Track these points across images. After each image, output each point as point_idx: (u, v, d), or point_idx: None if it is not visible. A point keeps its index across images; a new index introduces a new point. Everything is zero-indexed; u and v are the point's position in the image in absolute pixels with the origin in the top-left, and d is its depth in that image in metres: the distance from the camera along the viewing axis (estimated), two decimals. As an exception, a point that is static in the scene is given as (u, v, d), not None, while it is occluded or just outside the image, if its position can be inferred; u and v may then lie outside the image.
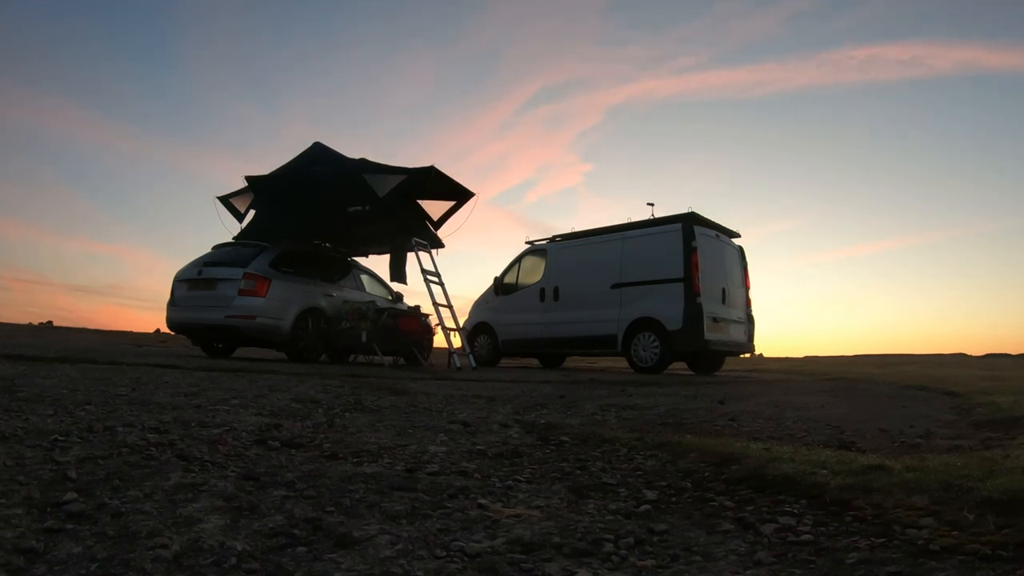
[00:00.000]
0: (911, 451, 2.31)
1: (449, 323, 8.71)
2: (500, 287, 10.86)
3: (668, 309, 8.68)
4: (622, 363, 10.32)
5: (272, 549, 1.08)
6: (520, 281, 10.68)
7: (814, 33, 34.35)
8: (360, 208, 8.37)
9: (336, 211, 8.48)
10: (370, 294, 9.52)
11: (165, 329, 8.80)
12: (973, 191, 40.65)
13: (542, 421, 2.94)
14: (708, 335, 8.59)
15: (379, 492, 1.48)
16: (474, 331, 10.79)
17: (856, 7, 32.82)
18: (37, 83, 32.37)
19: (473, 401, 3.77)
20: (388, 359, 8.56)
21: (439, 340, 9.43)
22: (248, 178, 9.07)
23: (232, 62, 38.53)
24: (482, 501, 1.45)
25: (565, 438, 2.38)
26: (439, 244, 9.26)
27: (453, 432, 2.50)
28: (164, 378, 3.89)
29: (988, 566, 1.04)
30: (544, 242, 10.70)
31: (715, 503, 1.51)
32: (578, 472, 1.84)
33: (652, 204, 11.27)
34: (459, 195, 9.27)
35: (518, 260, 10.86)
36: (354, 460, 1.84)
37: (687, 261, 8.66)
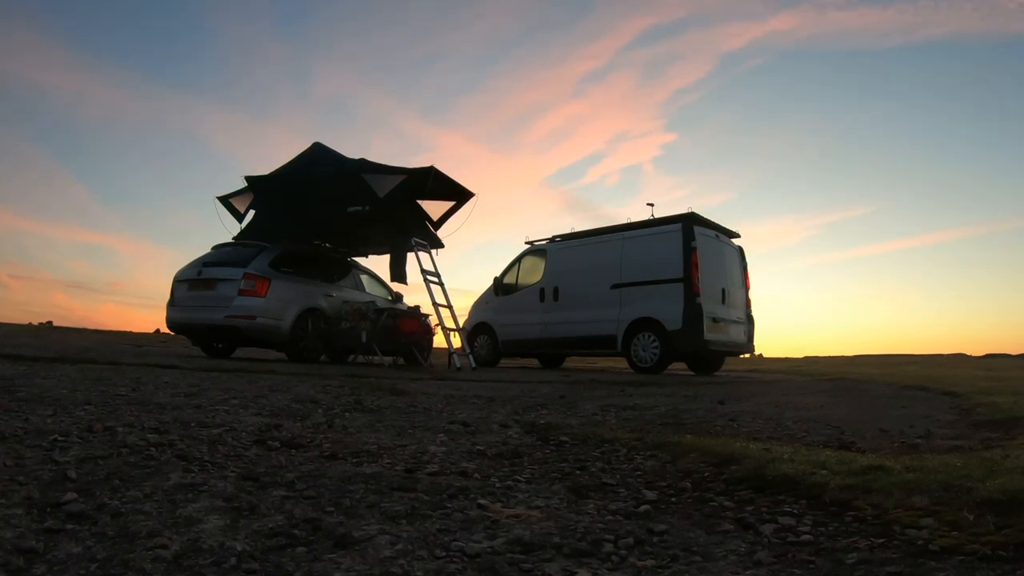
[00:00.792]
0: (911, 451, 2.32)
1: (449, 323, 8.72)
2: (500, 287, 10.86)
3: (668, 309, 8.68)
4: (622, 363, 10.32)
5: (272, 549, 1.08)
6: (520, 281, 10.68)
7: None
8: (360, 208, 8.37)
9: (336, 211, 8.48)
10: (370, 294, 9.51)
11: (165, 329, 8.80)
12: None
13: (542, 421, 2.94)
14: (708, 335, 8.60)
15: (379, 492, 1.48)
16: (474, 331, 10.79)
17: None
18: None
19: (473, 401, 3.77)
20: (388, 359, 8.56)
21: (439, 340, 9.44)
22: (248, 178, 9.06)
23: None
24: (482, 501, 1.45)
25: (565, 438, 2.38)
26: (439, 244, 9.27)
27: (453, 432, 2.50)
28: (164, 378, 3.89)
29: (988, 566, 1.04)
30: (544, 242, 10.71)
31: (715, 503, 1.51)
32: (578, 472, 1.84)
33: (652, 204, 11.30)
34: (459, 195, 9.27)
35: (518, 260, 10.86)
36: (354, 460, 1.83)
37: (687, 261, 8.66)
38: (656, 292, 8.90)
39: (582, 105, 38.22)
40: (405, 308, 9.35)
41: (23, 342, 8.97)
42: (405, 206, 8.76)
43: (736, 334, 9.45)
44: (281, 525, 1.19)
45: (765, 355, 21.78)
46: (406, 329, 8.66)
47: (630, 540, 1.20)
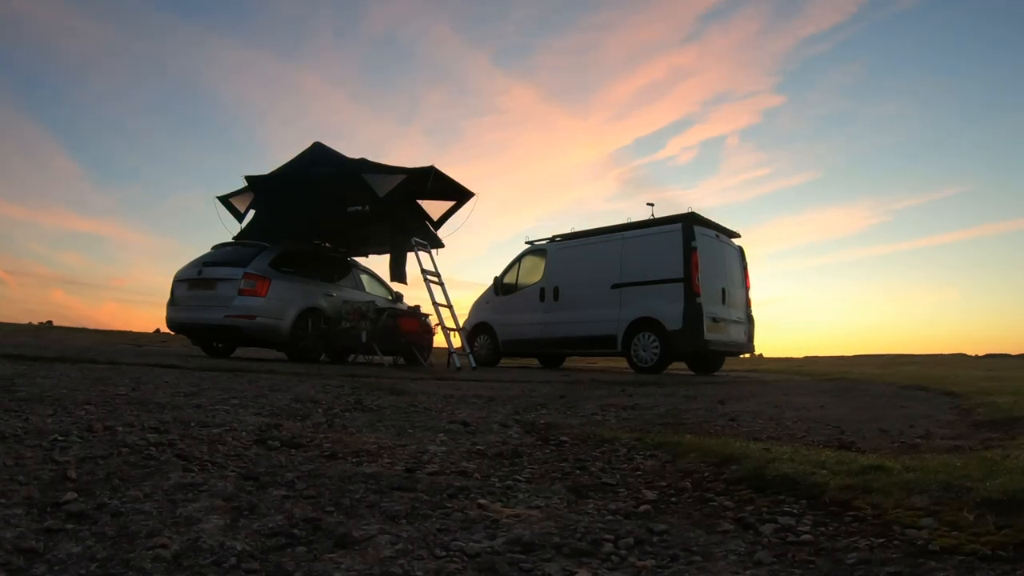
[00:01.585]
0: (911, 451, 2.32)
1: (449, 323, 8.72)
2: (500, 287, 10.86)
3: (668, 309, 8.68)
4: (622, 363, 10.32)
5: (272, 549, 1.08)
6: (520, 281, 10.69)
7: None
8: (360, 208, 8.37)
9: (336, 211, 8.48)
10: (370, 294, 9.52)
11: (165, 329, 8.80)
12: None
13: (542, 421, 2.94)
14: (708, 335, 8.60)
15: (379, 492, 1.48)
16: (474, 331, 10.79)
17: None
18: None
19: (473, 401, 3.77)
20: (388, 359, 8.56)
21: (439, 340, 9.44)
22: (248, 178, 9.07)
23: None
24: (482, 501, 1.45)
25: (565, 438, 2.38)
26: (439, 244, 9.27)
27: (453, 432, 2.50)
28: (164, 378, 3.89)
29: (988, 566, 1.04)
30: (544, 242, 10.71)
31: (715, 503, 1.51)
32: (578, 472, 1.84)
33: (652, 204, 11.30)
34: (459, 195, 9.27)
35: (518, 260, 10.86)
36: (354, 460, 1.84)
37: (687, 261, 8.66)
38: (656, 292, 8.90)
39: (690, 54, 32.22)
40: (405, 308, 9.35)
41: (23, 342, 8.97)
42: (405, 206, 8.76)
43: (736, 334, 9.45)
44: (281, 525, 1.19)
45: (765, 355, 21.79)
46: (406, 329, 8.66)
47: (630, 540, 1.20)
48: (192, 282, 8.06)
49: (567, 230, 10.59)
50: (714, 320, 8.78)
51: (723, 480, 1.69)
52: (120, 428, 1.99)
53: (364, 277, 9.74)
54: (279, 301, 7.84)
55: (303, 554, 1.07)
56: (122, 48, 30.74)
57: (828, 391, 5.94)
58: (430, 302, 8.66)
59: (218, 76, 34.61)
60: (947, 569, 1.03)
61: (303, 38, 35.01)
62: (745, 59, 33.37)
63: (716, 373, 9.93)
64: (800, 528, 1.29)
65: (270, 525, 1.19)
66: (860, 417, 3.57)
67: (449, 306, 8.82)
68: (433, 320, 9.00)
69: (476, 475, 1.74)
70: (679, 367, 10.25)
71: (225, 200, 9.43)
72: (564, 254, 10.22)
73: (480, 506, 1.41)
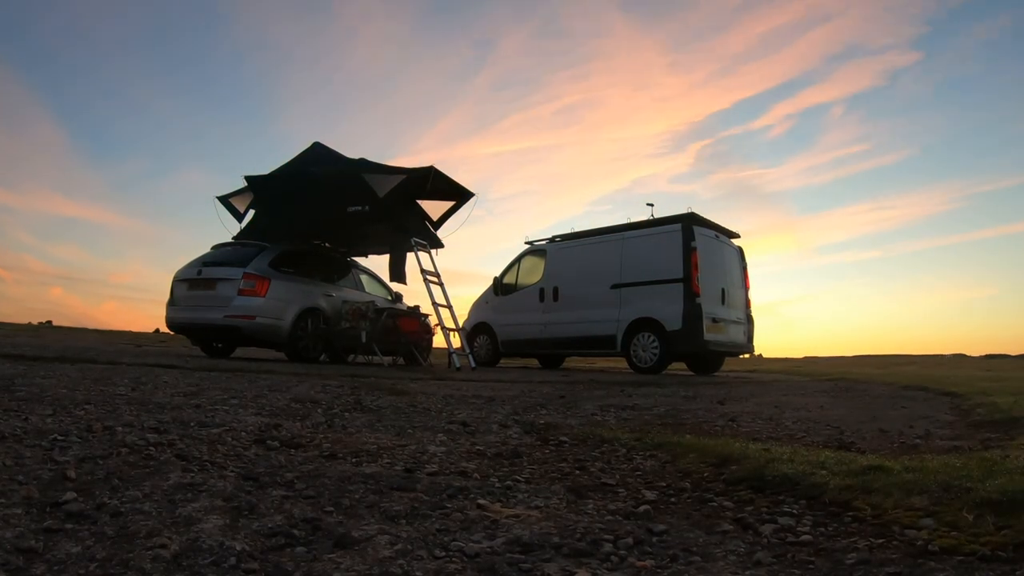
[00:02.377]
0: (910, 452, 2.32)
1: (449, 323, 8.72)
2: (499, 287, 10.87)
3: (667, 309, 8.68)
4: (621, 363, 10.32)
5: (271, 549, 1.08)
6: (519, 281, 10.69)
7: None
8: (360, 208, 8.36)
9: (336, 211, 8.48)
10: (370, 294, 9.51)
11: (165, 329, 8.80)
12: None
13: (541, 421, 2.94)
14: (707, 335, 8.60)
15: (378, 492, 1.48)
16: (473, 331, 10.79)
17: None
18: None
19: (472, 401, 3.77)
20: (387, 359, 8.56)
21: (439, 340, 9.44)
22: (248, 178, 9.06)
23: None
24: (481, 501, 1.45)
25: (564, 438, 2.38)
26: (439, 244, 9.27)
27: (452, 432, 2.50)
28: (163, 378, 3.89)
29: (987, 567, 1.04)
30: (543, 242, 10.71)
31: (714, 503, 1.51)
32: (577, 472, 1.84)
33: (652, 204, 11.30)
34: (459, 195, 9.27)
35: (517, 260, 10.86)
36: (353, 460, 1.83)
37: (687, 261, 8.66)
38: (656, 292, 8.90)
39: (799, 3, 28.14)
40: (405, 308, 9.35)
41: (23, 342, 8.97)
42: (405, 206, 8.76)
43: (736, 334, 9.45)
44: (280, 525, 1.19)
45: (765, 355, 21.80)
46: (406, 329, 8.66)
47: (629, 540, 1.20)
48: (192, 282, 8.06)
49: (567, 230, 10.62)
50: (714, 320, 8.78)
51: (722, 480, 1.69)
52: (120, 428, 1.98)
53: (364, 277, 9.74)
54: (279, 301, 7.84)
55: (303, 554, 1.07)
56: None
57: (827, 391, 5.95)
58: (429, 302, 8.67)
59: (237, 13, 30.36)
60: (947, 569, 1.03)
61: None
62: (887, 2, 28.73)
63: (716, 373, 9.93)
64: (800, 528, 1.29)
65: (269, 525, 1.19)
66: (860, 417, 3.58)
67: (449, 306, 8.82)
68: (433, 320, 9.00)
69: (476, 475, 1.74)
70: (679, 367, 10.25)
71: (225, 200, 9.44)
72: (564, 254, 10.22)
73: (480, 506, 1.41)
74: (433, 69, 36.53)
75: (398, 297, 9.81)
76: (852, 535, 1.24)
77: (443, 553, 1.10)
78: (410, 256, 8.82)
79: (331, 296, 8.63)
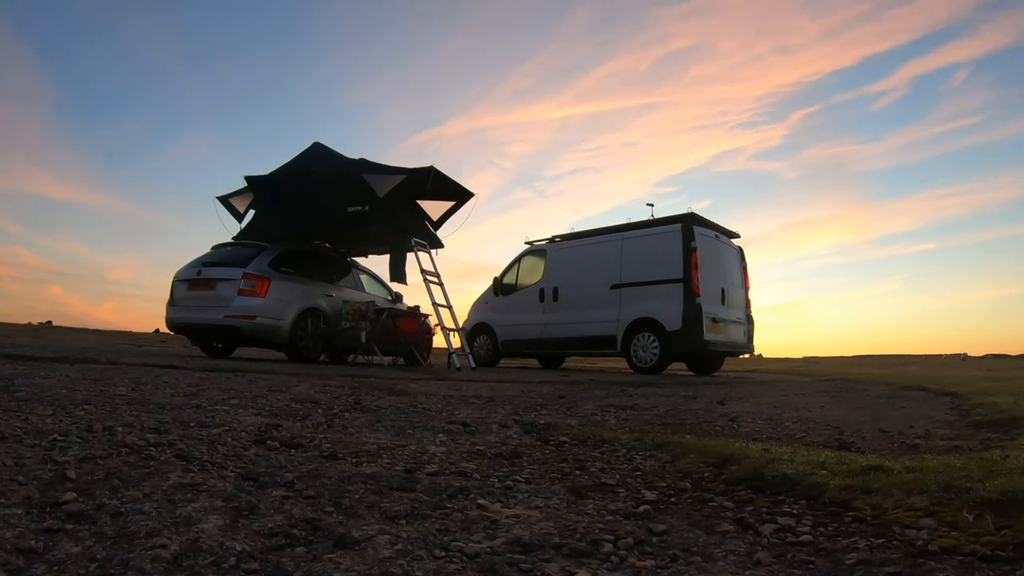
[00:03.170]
0: (910, 452, 2.32)
1: (449, 323, 8.72)
2: (499, 287, 10.87)
3: (667, 310, 8.68)
4: (621, 363, 10.32)
5: (271, 549, 1.08)
6: (519, 281, 10.69)
7: None
8: (360, 208, 8.36)
9: (336, 211, 8.48)
10: (370, 294, 9.51)
11: (165, 329, 8.80)
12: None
13: (541, 421, 2.94)
14: (707, 336, 8.60)
15: (378, 492, 1.48)
16: (473, 331, 10.79)
17: None
18: None
19: (472, 401, 3.77)
20: (387, 359, 8.56)
21: (439, 340, 9.44)
22: (248, 178, 9.07)
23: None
24: (481, 501, 1.45)
25: (564, 438, 2.38)
26: (439, 244, 9.27)
27: (452, 432, 2.50)
28: (163, 378, 3.89)
29: (987, 567, 1.04)
30: (543, 242, 10.72)
31: (714, 503, 1.51)
32: (577, 472, 1.84)
33: (652, 204, 11.31)
34: (459, 195, 9.27)
35: (517, 260, 10.87)
36: (353, 460, 1.83)
37: (686, 261, 8.66)
38: (656, 292, 8.91)
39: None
40: (405, 308, 9.35)
41: (23, 342, 8.96)
42: (405, 206, 8.76)
43: (736, 334, 9.45)
44: (281, 525, 1.19)
45: (765, 355, 21.80)
46: (406, 329, 8.66)
47: (629, 540, 1.20)
48: (192, 282, 8.06)
49: (567, 230, 10.62)
50: (714, 320, 8.78)
51: (723, 480, 1.69)
52: (119, 428, 1.98)
53: (364, 277, 9.74)
54: (279, 301, 7.84)
55: (303, 554, 1.07)
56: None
57: (827, 391, 5.95)
58: (430, 302, 8.67)
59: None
60: (947, 569, 1.03)
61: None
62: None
63: (716, 373, 9.93)
64: (800, 528, 1.29)
65: (269, 525, 1.19)
66: (860, 417, 3.58)
67: (449, 306, 8.83)
68: (433, 320, 9.00)
69: (476, 475, 1.74)
70: (679, 367, 10.25)
71: (225, 200, 9.44)
72: (563, 254, 10.22)
73: (480, 506, 1.41)
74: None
75: (398, 297, 9.81)
76: (852, 535, 1.24)
77: (443, 553, 1.10)
78: (410, 256, 8.82)
79: (331, 296, 8.63)
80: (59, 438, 1.77)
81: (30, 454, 1.59)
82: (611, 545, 1.18)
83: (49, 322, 23.39)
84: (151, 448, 1.75)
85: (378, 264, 14.49)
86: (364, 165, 8.58)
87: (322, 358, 8.59)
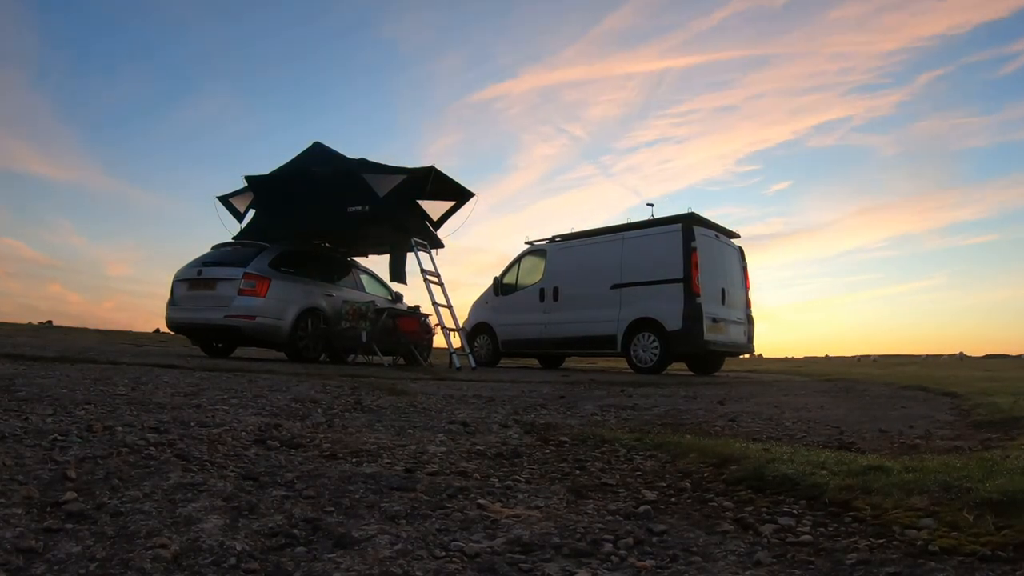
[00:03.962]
0: (910, 452, 2.32)
1: (449, 323, 8.72)
2: (500, 287, 10.87)
3: (668, 310, 8.68)
4: (621, 363, 10.32)
5: (271, 549, 1.08)
6: (520, 281, 10.69)
7: None
8: (360, 208, 8.37)
9: (336, 211, 8.48)
10: (370, 294, 9.52)
11: (165, 329, 8.80)
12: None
13: (541, 421, 2.94)
14: (707, 336, 8.60)
15: (378, 492, 1.48)
16: (474, 331, 10.79)
17: None
18: None
19: (472, 401, 3.77)
20: (387, 359, 8.56)
21: (439, 340, 9.44)
22: (248, 178, 9.07)
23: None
24: (481, 501, 1.45)
25: (564, 438, 2.38)
26: (439, 244, 9.27)
27: (452, 432, 2.50)
28: (163, 378, 3.89)
29: (987, 567, 1.04)
30: (544, 242, 10.72)
31: (714, 503, 1.51)
32: (577, 472, 1.84)
33: (652, 204, 11.32)
34: (459, 195, 9.28)
35: (517, 260, 10.87)
36: (353, 460, 1.83)
37: (687, 261, 8.66)
38: (656, 292, 8.91)
39: None
40: (405, 308, 9.35)
41: (23, 341, 8.96)
42: (405, 206, 8.77)
43: (736, 334, 9.45)
44: (281, 525, 1.19)
45: (765, 355, 21.81)
46: (406, 329, 8.66)
47: (630, 540, 1.20)
48: (192, 282, 8.06)
49: (567, 230, 10.62)
50: (714, 320, 8.78)
51: (723, 480, 1.69)
52: (120, 428, 1.98)
53: (364, 277, 9.75)
54: (279, 301, 7.84)
55: (303, 554, 1.07)
56: None
57: (827, 392, 5.95)
58: (430, 302, 8.67)
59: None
60: (947, 570, 1.03)
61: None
62: None
63: (716, 373, 9.93)
64: (800, 528, 1.29)
65: (270, 525, 1.19)
66: (859, 417, 3.58)
67: (449, 306, 8.83)
68: (433, 320, 9.00)
69: (476, 475, 1.74)
70: (679, 367, 10.25)
71: (225, 200, 9.44)
72: (564, 254, 10.22)
73: (480, 506, 1.41)
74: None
75: (398, 297, 9.82)
76: (852, 535, 1.24)
77: (443, 553, 1.10)
78: (410, 256, 8.83)
79: (331, 296, 8.64)
80: (59, 438, 1.77)
81: (30, 454, 1.59)
82: (611, 545, 1.18)
83: (49, 322, 23.45)
84: (151, 448, 1.75)
85: (378, 264, 14.49)
86: (364, 165, 8.59)
87: (322, 358, 8.59)
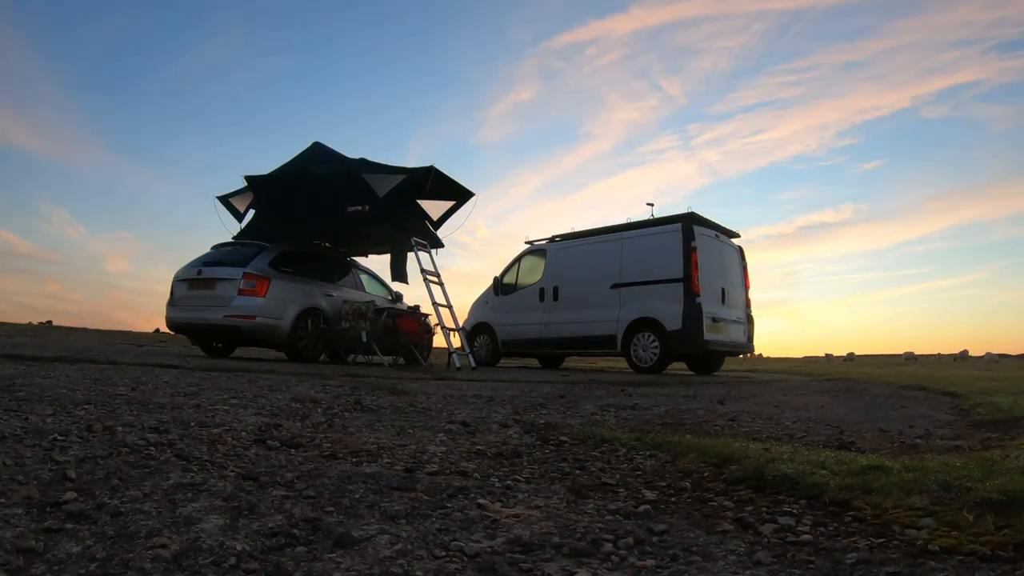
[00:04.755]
0: (910, 451, 2.32)
1: (449, 323, 8.72)
2: (500, 287, 10.87)
3: (667, 309, 8.68)
4: (621, 363, 10.32)
5: (271, 549, 1.08)
6: (520, 281, 10.70)
7: None
8: (360, 208, 8.37)
9: (336, 211, 8.48)
10: (370, 294, 9.52)
11: (165, 328, 8.80)
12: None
13: (541, 421, 2.94)
14: (707, 335, 8.60)
15: (378, 492, 1.48)
16: (474, 331, 10.79)
17: None
18: None
19: (472, 401, 3.77)
20: (388, 359, 8.56)
21: (439, 340, 9.44)
22: (248, 178, 9.07)
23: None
24: (481, 501, 1.45)
25: (564, 438, 2.38)
26: (439, 244, 9.27)
27: (452, 432, 2.50)
28: (163, 378, 3.89)
29: (987, 566, 1.04)
30: (544, 242, 10.72)
31: (714, 503, 1.51)
32: (577, 472, 1.84)
33: (652, 204, 11.33)
34: (459, 195, 9.28)
35: (517, 260, 10.87)
36: (353, 460, 1.83)
37: (687, 261, 8.67)
38: (656, 292, 8.91)
39: None
40: (405, 308, 9.35)
41: (23, 341, 8.96)
42: (405, 206, 8.77)
43: (736, 334, 9.45)
44: (281, 525, 1.19)
45: (765, 355, 21.81)
46: (406, 329, 8.66)
47: (630, 540, 1.20)
48: (192, 282, 8.06)
49: (567, 230, 10.63)
50: (714, 320, 8.78)
51: (723, 480, 1.69)
52: (120, 428, 1.98)
53: (364, 277, 9.75)
54: (279, 301, 7.84)
55: (303, 554, 1.07)
56: None
57: (827, 391, 5.94)
58: (430, 302, 8.67)
59: None
60: (947, 569, 1.03)
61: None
62: None
63: (716, 373, 9.93)
64: (800, 528, 1.29)
65: (270, 525, 1.19)
66: (859, 417, 3.58)
67: (449, 306, 8.83)
68: (433, 320, 9.00)
69: (476, 475, 1.74)
70: (679, 367, 10.25)
71: (225, 200, 9.44)
72: (564, 254, 10.22)
73: (480, 506, 1.41)
74: None
75: (398, 297, 9.82)
76: (852, 535, 1.24)
77: (443, 553, 1.10)
78: (410, 256, 8.82)
79: (331, 296, 8.64)
80: (59, 438, 1.77)
81: (30, 454, 1.59)
82: (611, 545, 1.18)
83: (49, 322, 23.47)
84: (151, 448, 1.75)
85: (378, 264, 14.49)
86: (364, 165, 8.59)
87: (322, 358, 8.59)
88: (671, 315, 8.64)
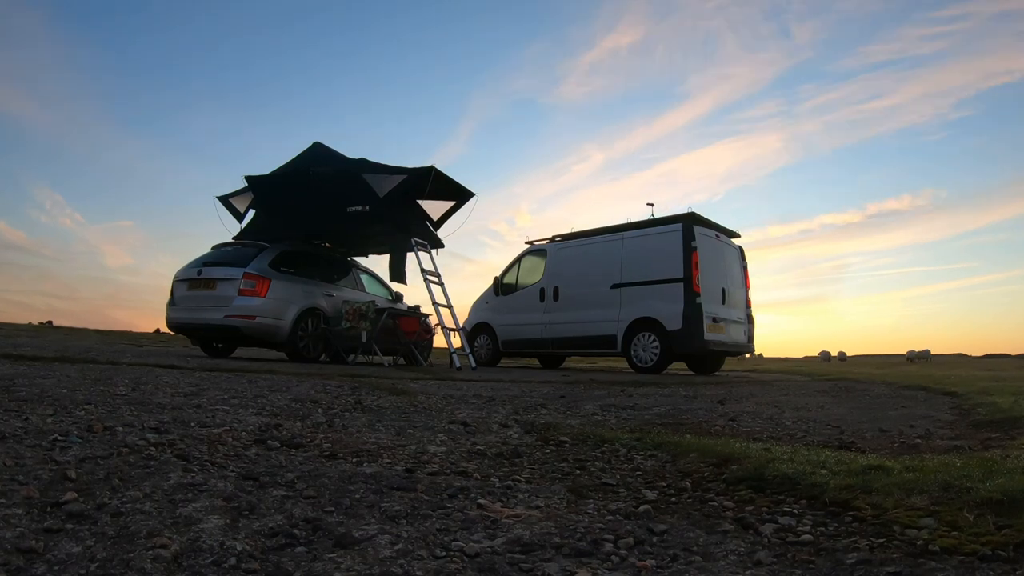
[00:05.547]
0: (910, 451, 2.32)
1: (449, 323, 8.73)
2: (500, 287, 10.87)
3: (668, 309, 8.69)
4: (622, 363, 10.33)
5: (272, 549, 1.08)
6: (520, 281, 10.70)
7: None
8: (360, 208, 8.38)
9: (336, 211, 8.49)
10: (370, 294, 9.52)
11: (165, 329, 8.81)
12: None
13: (542, 421, 2.94)
14: (708, 335, 8.60)
15: (379, 492, 1.48)
16: (474, 331, 10.80)
17: None
18: None
19: (473, 401, 3.77)
20: (388, 359, 8.56)
21: (439, 340, 9.45)
22: (248, 178, 9.07)
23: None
24: (482, 501, 1.45)
25: (565, 438, 2.38)
26: (439, 244, 9.28)
27: (453, 432, 2.50)
28: (164, 378, 3.89)
29: (988, 566, 1.04)
30: (544, 242, 10.72)
31: (715, 503, 1.51)
32: (578, 472, 1.84)
33: (652, 204, 11.33)
34: (459, 195, 9.28)
35: (518, 260, 10.87)
36: (354, 460, 1.83)
37: (687, 261, 8.67)
38: (656, 292, 8.91)
39: None
40: (405, 308, 9.35)
41: (23, 342, 8.96)
42: (405, 206, 8.77)
43: (736, 334, 9.46)
44: (281, 525, 1.19)
45: (765, 355, 21.82)
46: (406, 329, 8.66)
47: (630, 540, 1.20)
48: (192, 282, 8.06)
49: (567, 230, 10.63)
50: (714, 320, 8.78)
51: (723, 480, 1.69)
52: (120, 428, 1.98)
53: (364, 277, 9.75)
54: (279, 301, 7.85)
55: (303, 554, 1.07)
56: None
57: (828, 391, 5.94)
58: (430, 302, 8.67)
59: None
60: (947, 569, 1.03)
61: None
62: None
63: (716, 373, 9.93)
64: (800, 528, 1.29)
65: (270, 525, 1.19)
66: (860, 417, 3.57)
67: (449, 306, 8.84)
68: (433, 320, 9.00)
69: (476, 475, 1.74)
70: (679, 367, 10.25)
71: (225, 200, 9.45)
72: (564, 254, 10.23)
73: (480, 506, 1.41)
74: None
75: (398, 297, 9.82)
76: (852, 535, 1.24)
77: (443, 553, 1.10)
78: (410, 256, 8.82)
79: (331, 296, 8.64)
80: (59, 438, 1.77)
81: (30, 454, 1.59)
82: (611, 545, 1.18)
83: (49, 322, 23.48)
84: (152, 448, 1.75)
85: (378, 264, 14.50)
86: (364, 165, 8.60)
87: (322, 358, 8.59)
88: (671, 315, 8.64)
